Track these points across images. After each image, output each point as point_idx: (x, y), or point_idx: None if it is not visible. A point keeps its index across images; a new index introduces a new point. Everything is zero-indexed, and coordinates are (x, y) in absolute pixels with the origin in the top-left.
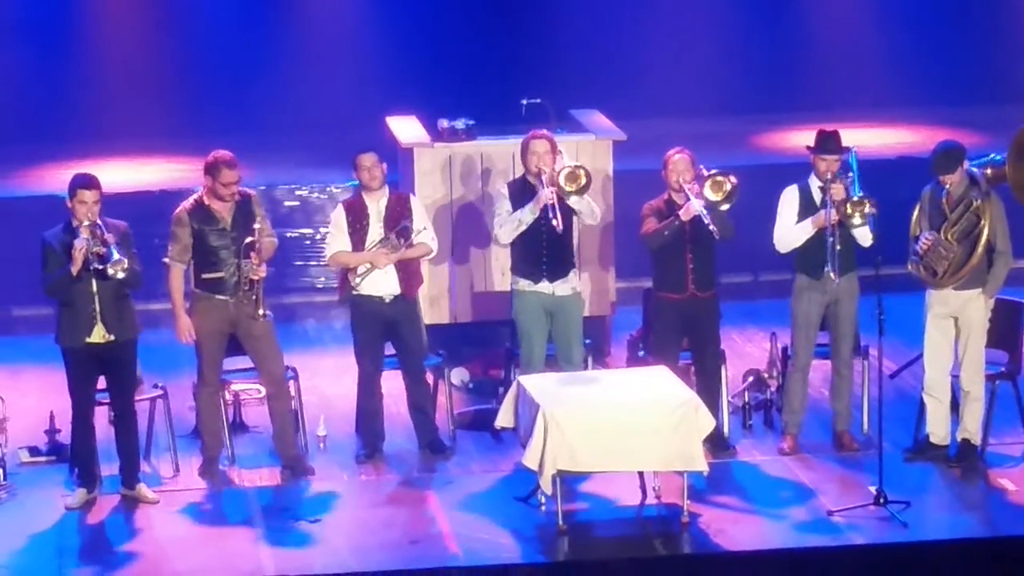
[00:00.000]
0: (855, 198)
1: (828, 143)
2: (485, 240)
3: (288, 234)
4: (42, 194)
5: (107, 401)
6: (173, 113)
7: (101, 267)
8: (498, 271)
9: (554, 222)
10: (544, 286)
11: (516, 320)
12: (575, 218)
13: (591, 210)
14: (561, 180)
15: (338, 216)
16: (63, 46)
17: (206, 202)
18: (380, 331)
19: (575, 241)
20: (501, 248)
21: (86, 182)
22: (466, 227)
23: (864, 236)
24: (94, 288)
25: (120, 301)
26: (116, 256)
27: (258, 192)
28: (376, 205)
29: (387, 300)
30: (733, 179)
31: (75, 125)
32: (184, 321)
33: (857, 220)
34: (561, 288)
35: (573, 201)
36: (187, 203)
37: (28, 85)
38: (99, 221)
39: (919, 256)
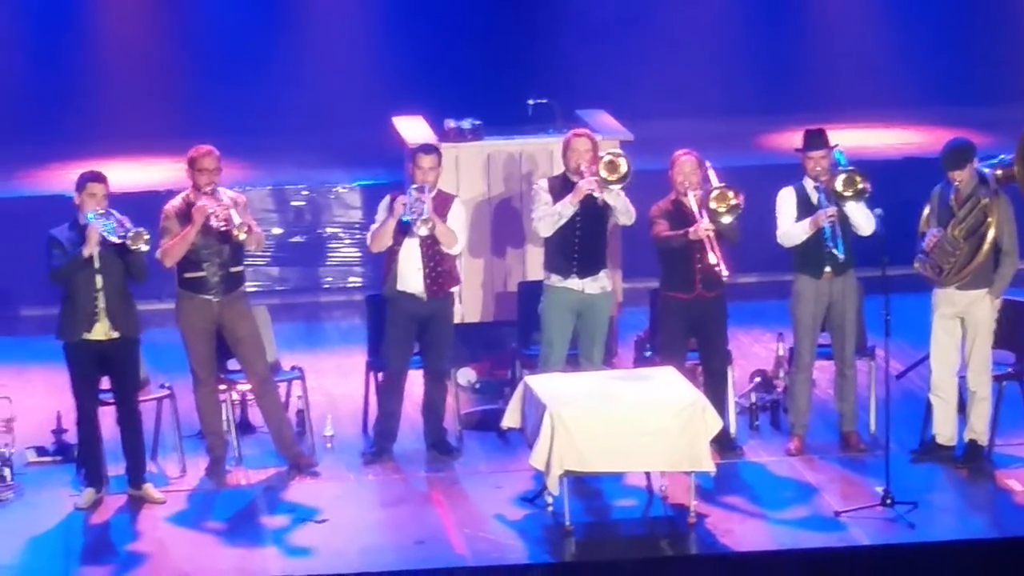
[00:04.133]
0: (842, 173)
1: (815, 140)
2: (492, 240)
3: (294, 235)
4: (48, 194)
5: (113, 401)
6: (179, 113)
7: (121, 241)
8: (504, 271)
9: (599, 199)
10: (574, 282)
11: (541, 315)
12: (610, 219)
13: (626, 208)
14: (601, 170)
15: (383, 205)
16: (68, 45)
17: (192, 200)
18: (413, 329)
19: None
20: (536, 245)
21: (95, 176)
22: (474, 227)
23: (862, 218)
24: (98, 284)
25: (125, 298)
26: (134, 229)
27: (267, 191)
28: None
29: (424, 298)
30: (741, 197)
31: (80, 125)
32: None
33: (851, 196)
34: (591, 286)
35: (610, 198)
36: (174, 200)
37: (33, 85)
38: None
39: (926, 254)
